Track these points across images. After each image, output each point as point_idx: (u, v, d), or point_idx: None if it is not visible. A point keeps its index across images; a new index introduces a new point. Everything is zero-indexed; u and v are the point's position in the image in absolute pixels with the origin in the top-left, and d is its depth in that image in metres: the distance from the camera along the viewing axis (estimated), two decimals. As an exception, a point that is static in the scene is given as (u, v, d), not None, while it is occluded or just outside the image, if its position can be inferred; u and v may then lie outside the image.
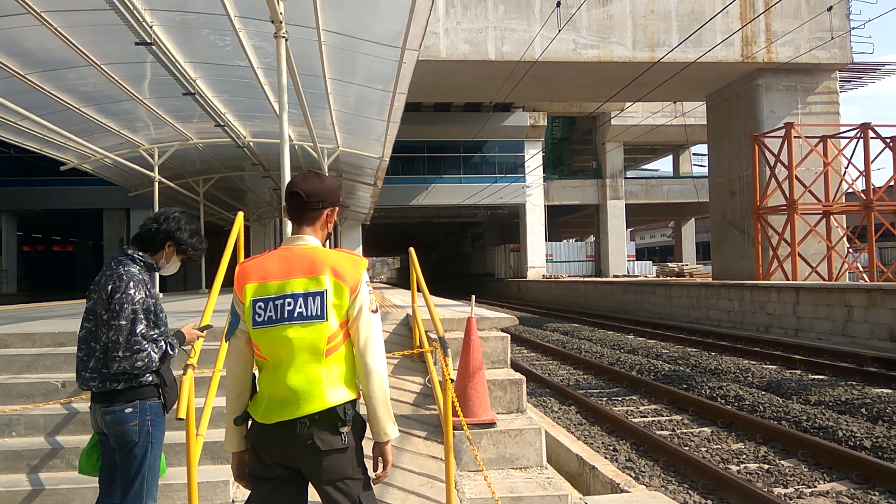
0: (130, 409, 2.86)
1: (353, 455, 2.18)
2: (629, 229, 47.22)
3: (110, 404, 2.84)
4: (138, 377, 2.85)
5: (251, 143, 14.46)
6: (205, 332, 3.35)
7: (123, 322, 2.76)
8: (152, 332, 2.90)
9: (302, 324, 2.11)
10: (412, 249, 6.09)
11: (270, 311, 2.13)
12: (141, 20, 8.02)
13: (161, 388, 2.95)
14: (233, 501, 3.94)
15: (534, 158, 34.63)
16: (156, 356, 2.83)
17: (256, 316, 2.14)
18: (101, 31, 8.52)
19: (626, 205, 38.85)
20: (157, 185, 14.24)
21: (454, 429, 4.00)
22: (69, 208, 28.62)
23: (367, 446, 2.26)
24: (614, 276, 34.69)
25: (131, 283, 2.81)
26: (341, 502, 2.14)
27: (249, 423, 2.22)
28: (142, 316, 2.82)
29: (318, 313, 2.11)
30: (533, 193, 35.84)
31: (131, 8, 7.75)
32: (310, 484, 2.22)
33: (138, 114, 12.13)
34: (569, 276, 36.21)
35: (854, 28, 19.67)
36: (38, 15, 7.80)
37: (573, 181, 39.93)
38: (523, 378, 5.33)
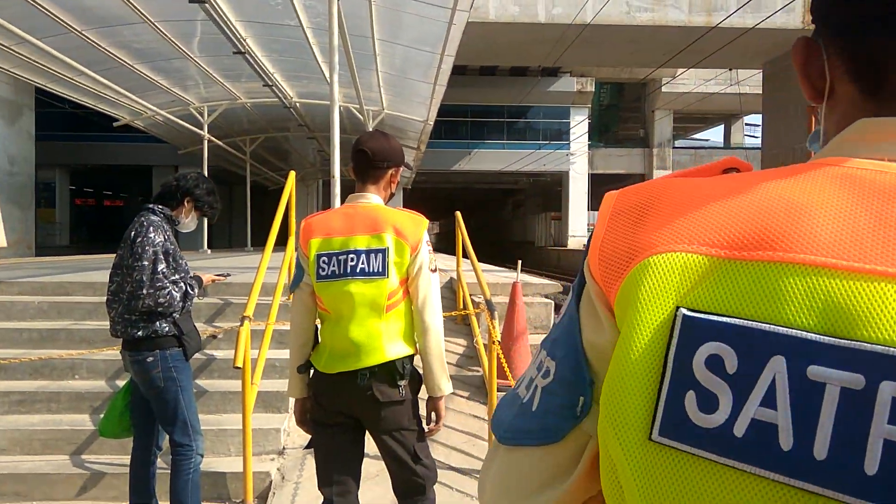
0: (152, 358, 3.01)
1: (410, 407, 2.25)
2: (674, 200, 46.41)
3: (135, 353, 3.02)
4: (156, 326, 2.98)
5: (297, 104, 14.56)
6: (226, 277, 3.54)
7: (146, 262, 2.94)
8: (173, 276, 3.06)
9: (364, 279, 2.16)
10: (458, 213, 6.11)
11: (334, 266, 2.19)
12: (195, -23, 8.10)
13: (179, 337, 3.08)
14: (283, 448, 4.10)
15: (580, 125, 34.05)
16: (177, 294, 3.00)
17: (320, 270, 2.21)
18: (155, -13, 8.64)
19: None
20: (206, 143, 14.48)
21: (497, 390, 4.07)
22: (120, 164, 29.36)
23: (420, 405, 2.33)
24: (657, 248, 34.19)
25: (151, 228, 3.00)
26: (397, 451, 2.22)
27: (311, 371, 2.31)
28: (162, 257, 2.99)
29: (380, 270, 2.17)
30: (577, 161, 35.34)
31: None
32: (367, 432, 2.31)
33: (189, 72, 12.30)
34: (610, 246, 35.81)
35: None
36: (96, -29, 7.95)
37: (619, 150, 39.22)
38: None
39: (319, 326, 2.34)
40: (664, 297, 0.50)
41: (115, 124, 14.37)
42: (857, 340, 0.43)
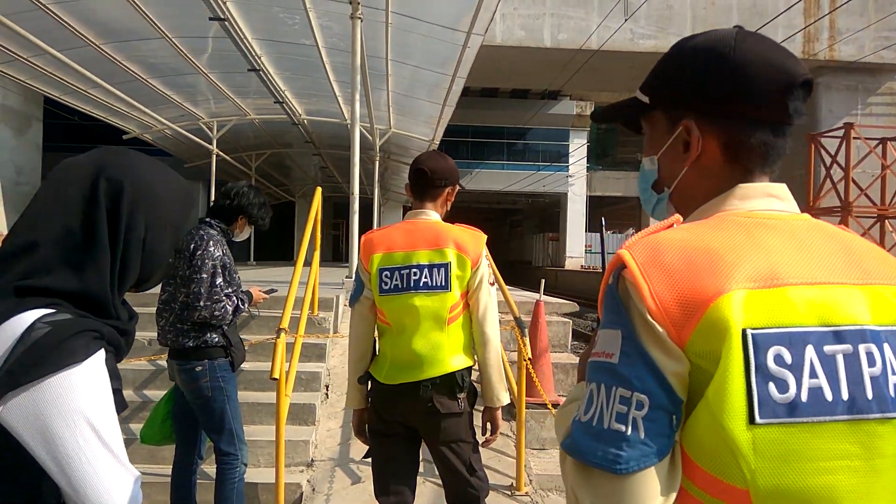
0: (200, 368, 3.07)
1: (467, 420, 2.31)
2: (670, 224, 46.65)
3: (183, 362, 3.07)
4: (206, 337, 3.05)
5: (305, 121, 14.70)
6: (269, 294, 3.60)
7: (205, 275, 3.01)
8: (227, 289, 3.13)
9: (427, 293, 2.24)
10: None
11: (397, 280, 2.26)
12: (217, -4, 8.24)
13: (228, 348, 3.14)
14: (312, 460, 4.14)
15: (579, 149, 34.31)
16: (230, 308, 3.08)
17: (383, 284, 2.28)
18: (175, 4, 8.77)
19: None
20: (214, 157, 14.58)
21: (525, 407, 4.12)
22: (121, 177, 29.39)
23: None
24: (654, 271, 34.32)
25: (211, 242, 3.08)
26: (454, 462, 2.28)
27: (370, 383, 2.37)
28: (220, 271, 3.08)
29: (443, 284, 2.24)
30: (575, 183, 35.57)
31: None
32: (423, 443, 2.37)
33: (200, 87, 12.44)
34: (607, 268, 35.91)
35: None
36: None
37: (617, 172, 39.46)
38: (585, 363, 5.42)
39: (378, 339, 2.40)
40: (736, 324, 0.72)
41: (124, 136, 14.45)
42: (839, 326, 0.74)
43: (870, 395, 0.74)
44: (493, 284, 2.35)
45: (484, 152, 35.67)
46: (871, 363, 0.74)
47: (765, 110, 0.86)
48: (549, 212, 39.88)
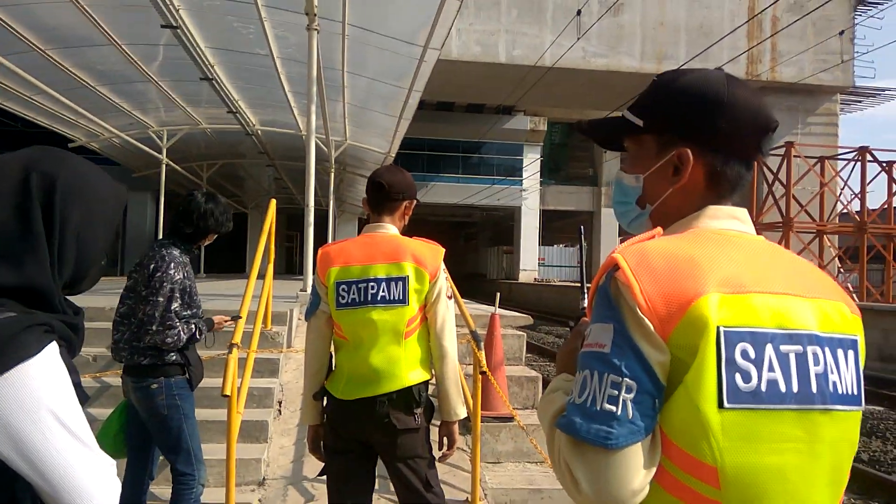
0: (156, 385, 2.97)
1: (424, 435, 2.30)
2: (621, 237, 47.57)
3: (138, 379, 2.97)
4: (163, 355, 2.96)
5: (259, 131, 14.52)
6: (235, 320, 3.50)
7: (160, 298, 2.91)
8: (185, 312, 3.04)
9: (385, 307, 2.23)
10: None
11: (354, 294, 2.25)
12: (169, 3, 8.10)
13: (186, 366, 3.06)
14: (263, 479, 4.05)
15: (533, 163, 34.75)
16: (184, 336, 2.97)
17: (340, 298, 2.26)
18: (125, 11, 8.58)
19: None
20: (164, 167, 14.26)
21: (481, 420, 4.12)
22: (65, 186, 28.49)
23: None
24: (605, 284, 34.84)
25: (172, 264, 2.97)
26: (410, 479, 2.26)
27: (325, 399, 2.34)
28: (178, 295, 2.98)
29: (401, 297, 2.24)
30: (529, 197, 35.99)
31: (161, -9, 7.83)
32: (379, 459, 2.34)
33: (150, 95, 12.17)
34: (559, 281, 36.41)
35: (858, 54, 20.00)
36: (66, -9, 7.86)
37: (569, 187, 40.07)
38: (539, 375, 5.47)
39: (334, 353, 2.38)
40: (713, 321, 0.85)
41: (70, 145, 14.00)
42: (791, 329, 0.88)
43: (814, 389, 0.88)
44: (450, 298, 2.35)
45: (439, 165, 35.80)
46: (816, 363, 0.88)
47: (744, 148, 1.01)
48: (504, 225, 40.20)
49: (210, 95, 11.82)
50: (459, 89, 23.88)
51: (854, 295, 20.32)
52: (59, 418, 0.93)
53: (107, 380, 4.55)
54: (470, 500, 3.97)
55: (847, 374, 0.90)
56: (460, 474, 4.27)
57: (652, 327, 0.85)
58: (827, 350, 0.89)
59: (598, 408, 0.84)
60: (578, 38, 17.11)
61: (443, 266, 2.34)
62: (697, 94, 1.00)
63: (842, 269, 22.25)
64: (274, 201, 5.28)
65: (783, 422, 0.85)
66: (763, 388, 0.85)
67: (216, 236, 3.28)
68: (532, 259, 36.81)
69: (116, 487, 1.01)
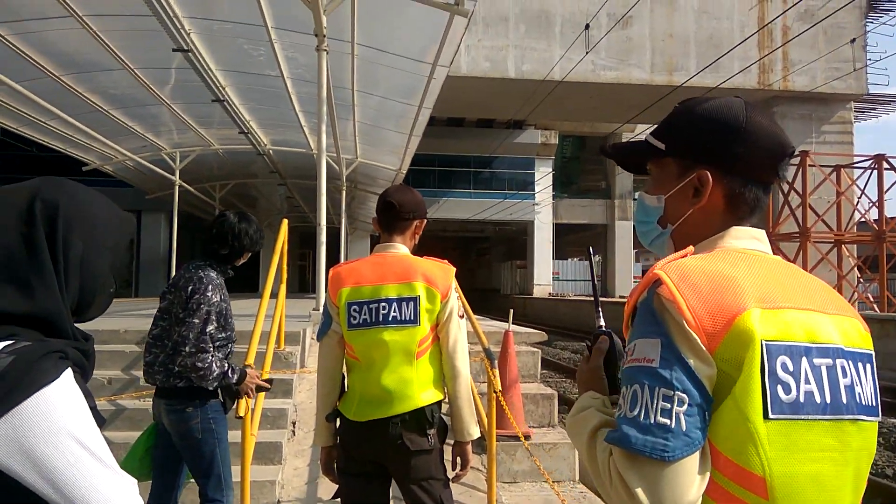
0: (191, 409, 2.91)
1: (438, 456, 2.26)
2: (635, 251, 47.31)
3: (172, 402, 2.92)
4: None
5: (271, 151, 14.63)
6: (267, 384, 3.24)
7: (196, 320, 2.85)
8: (220, 335, 2.98)
9: (396, 327, 2.19)
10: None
11: (365, 314, 2.22)
12: (180, 27, 8.20)
13: (221, 389, 3.00)
14: (278, 501, 4.01)
15: (545, 177, 34.72)
16: (216, 369, 2.86)
17: (351, 318, 2.23)
18: (137, 36, 8.69)
19: (633, 226, 38.76)
20: (177, 188, 14.38)
21: (496, 440, 4.06)
22: (81, 208, 28.81)
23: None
24: (620, 297, 34.69)
25: (210, 287, 2.92)
26: (425, 500, 2.21)
27: (338, 420, 2.30)
28: (213, 318, 2.91)
29: (412, 317, 2.20)
30: (542, 211, 35.90)
31: (172, 15, 7.93)
32: (393, 481, 2.30)
33: (162, 118, 12.31)
34: (574, 295, 36.21)
35: (871, 61, 19.86)
36: (80, 18, 7.98)
37: (582, 200, 39.96)
38: (555, 393, 5.39)
39: (347, 374, 2.34)
40: (758, 335, 0.88)
41: (84, 168, 14.18)
42: (821, 344, 0.92)
43: (844, 400, 0.92)
44: (462, 317, 2.31)
45: (451, 181, 35.85)
46: (844, 375, 0.93)
47: (762, 173, 1.06)
48: (517, 240, 40.13)
49: (222, 117, 11.93)
50: (469, 105, 23.96)
51: (875, 305, 20.03)
52: (81, 442, 0.95)
53: (122, 402, 4.54)
54: (487, 521, 3.90)
55: (867, 387, 0.95)
56: (476, 494, 4.21)
57: (699, 341, 0.88)
58: (851, 363, 0.94)
59: (653, 421, 0.87)
60: (587, 52, 17.13)
61: (454, 285, 2.31)
62: (718, 121, 1.05)
63: (861, 279, 21.96)
64: (286, 221, 5.28)
65: (819, 432, 0.89)
66: (801, 399, 0.89)
67: (250, 255, 3.25)
68: (546, 273, 36.66)
69: None
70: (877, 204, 19.48)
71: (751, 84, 19.82)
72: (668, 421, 0.86)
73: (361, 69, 9.51)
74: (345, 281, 2.28)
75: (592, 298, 1.35)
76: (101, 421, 1.02)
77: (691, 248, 1.02)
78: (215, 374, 2.86)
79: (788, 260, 1.01)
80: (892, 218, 19.63)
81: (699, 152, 1.06)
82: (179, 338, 2.85)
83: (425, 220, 2.44)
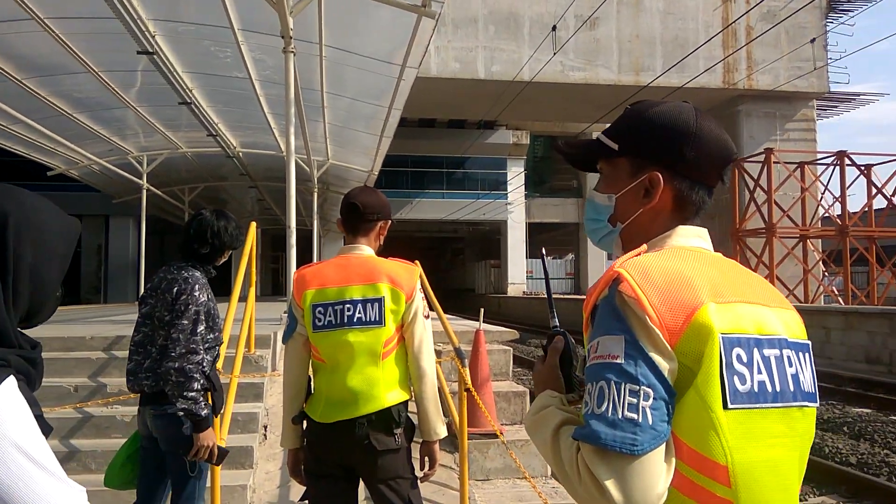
0: (182, 412, 2.80)
1: (405, 455, 2.28)
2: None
3: (161, 406, 2.82)
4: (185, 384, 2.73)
5: (240, 153, 14.49)
6: (219, 455, 2.91)
7: (186, 322, 2.78)
8: (209, 335, 2.92)
9: (361, 328, 2.21)
10: (419, 267, 6.18)
11: (330, 316, 2.23)
12: (144, 30, 8.09)
13: (211, 392, 2.92)
14: (250, 506, 3.99)
15: (517, 177, 34.91)
16: (201, 380, 2.75)
17: (316, 320, 2.24)
18: (101, 38, 8.55)
19: (584, 223, 39.17)
20: (144, 192, 14.18)
21: (468, 438, 4.10)
22: (46, 214, 28.21)
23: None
24: (593, 295, 34.96)
25: (196, 286, 2.85)
26: (393, 499, 2.23)
27: (305, 422, 2.31)
28: (203, 318, 2.85)
29: (377, 318, 2.22)
30: (514, 211, 36.11)
31: (136, 17, 7.82)
32: (361, 481, 2.32)
33: (128, 121, 12.12)
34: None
35: (832, 60, 20.33)
36: (40, 21, 7.83)
37: (554, 199, 40.26)
38: (526, 390, 5.45)
39: (312, 376, 2.35)
40: (715, 328, 0.92)
41: (49, 173, 13.91)
42: (769, 335, 0.97)
43: (791, 388, 0.97)
44: (427, 317, 2.34)
45: (424, 181, 35.86)
46: (790, 364, 0.98)
47: (709, 176, 1.10)
48: (490, 239, 40.29)
49: (189, 119, 11.79)
50: (440, 106, 24.00)
51: (840, 298, 20.50)
52: (24, 451, 0.93)
53: (89, 410, 4.48)
54: (459, 519, 3.93)
55: (808, 375, 1.01)
56: (449, 493, 4.23)
57: (661, 337, 0.91)
58: (794, 353, 1.00)
59: (620, 416, 0.88)
60: (555, 53, 17.27)
61: (419, 286, 2.33)
62: (670, 124, 1.08)
63: (826, 273, 22.46)
64: (253, 224, 5.26)
65: (772, 419, 0.95)
66: (756, 388, 0.93)
67: (230, 253, 3.19)
68: (520, 272, 36.87)
69: None
70: (839, 199, 19.96)
71: (716, 83, 20.17)
72: (635, 415, 0.88)
73: (330, 71, 9.47)
74: (309, 283, 2.29)
75: (546, 298, 1.38)
76: (48, 429, 1.00)
77: (644, 246, 1.05)
78: (197, 381, 2.74)
79: (729, 257, 1.03)
80: (854, 213, 20.14)
81: (652, 154, 1.08)
82: (170, 340, 2.76)
83: (390, 222, 2.46)
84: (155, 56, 8.73)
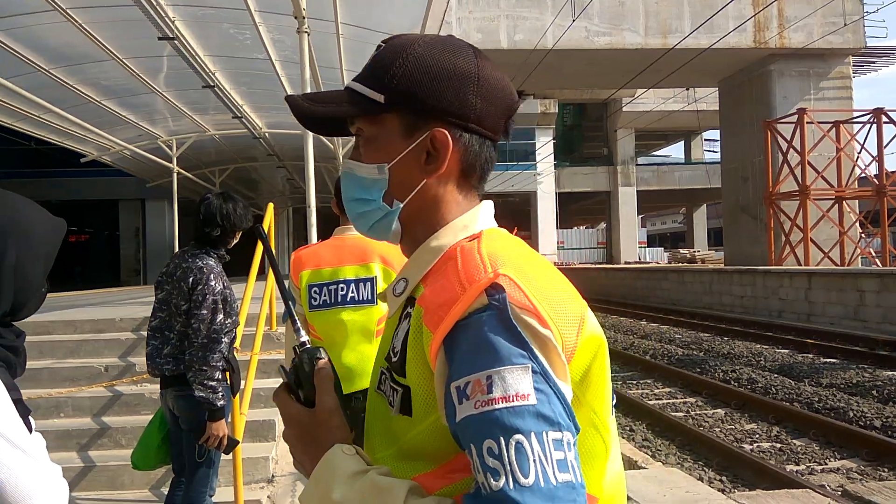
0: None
1: (401, 426, 2.38)
2: (640, 216, 47.22)
3: (182, 388, 2.93)
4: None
5: (266, 134, 14.68)
6: (229, 445, 3.06)
7: (205, 311, 2.86)
8: (227, 321, 3.00)
9: (354, 307, 2.31)
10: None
11: (325, 296, 2.33)
12: (164, 15, 8.22)
13: (230, 373, 3.04)
14: (272, 476, 4.17)
15: (545, 146, 34.61)
16: (221, 366, 2.88)
17: (312, 300, 2.34)
18: (123, 26, 8.73)
19: (637, 191, 38.83)
20: (175, 175, 14.49)
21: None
22: (84, 199, 29.00)
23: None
24: (626, 263, 34.77)
25: (212, 275, 2.93)
26: (390, 469, 2.34)
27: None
28: (221, 306, 2.93)
29: (369, 297, 2.32)
30: (544, 181, 35.87)
31: (154, 4, 7.95)
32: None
33: (156, 106, 12.37)
34: (580, 264, 36.32)
35: (868, 14, 19.57)
36: (63, 11, 8.02)
37: (584, 168, 39.87)
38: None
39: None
40: (601, 337, 0.79)
41: (82, 160, 14.30)
42: None
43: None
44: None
45: (451, 155, 35.73)
46: None
47: (495, 128, 0.88)
48: (521, 210, 40.14)
49: (215, 102, 11.98)
50: (465, 78, 23.80)
51: (877, 260, 20.01)
52: (1, 433, 1.00)
53: (119, 388, 4.71)
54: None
55: None
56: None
57: (564, 358, 0.72)
58: None
59: (555, 482, 0.65)
60: (574, 20, 16.97)
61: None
62: (448, 64, 0.83)
63: (863, 235, 21.90)
64: (272, 205, 5.40)
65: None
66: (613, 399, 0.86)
67: (241, 234, 3.19)
68: (551, 243, 36.74)
69: (63, 492, 1.10)
70: (876, 158, 19.37)
71: (746, 43, 19.60)
72: (569, 476, 0.66)
73: (349, 49, 9.52)
74: (305, 264, 2.39)
75: (281, 295, 1.03)
76: (26, 411, 1.10)
77: (481, 230, 0.85)
78: (216, 377, 2.86)
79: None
80: (892, 172, 19.53)
81: (432, 104, 0.83)
82: (191, 330, 2.85)
83: None
84: (176, 41, 8.87)
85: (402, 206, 0.86)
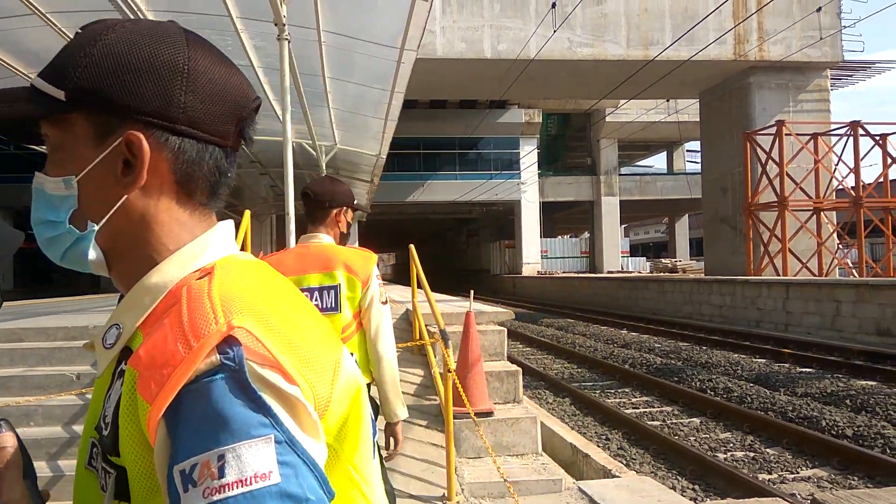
0: None
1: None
2: (623, 225, 47.52)
3: None
4: None
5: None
6: None
7: None
8: None
9: None
10: (412, 246, 6.30)
11: (290, 304, 2.34)
12: (144, 21, 8.21)
13: None
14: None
15: (529, 155, 34.82)
16: None
17: (277, 308, 2.35)
18: (104, 31, 8.70)
19: (620, 201, 39.11)
20: (156, 182, 14.41)
21: (454, 418, 4.22)
22: (66, 205, 28.71)
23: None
24: (608, 272, 34.98)
25: None
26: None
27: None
28: None
29: (333, 305, 2.32)
30: (528, 190, 36.06)
31: (135, 9, 7.94)
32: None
33: (139, 112, 12.32)
34: (563, 273, 36.49)
35: (845, 27, 19.92)
36: (42, 15, 7.98)
37: (568, 178, 40.11)
38: (519, 370, 5.55)
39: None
40: (359, 381, 0.70)
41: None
42: None
43: None
44: (385, 303, 2.43)
45: (436, 163, 35.89)
46: None
47: (220, 131, 0.73)
48: (505, 219, 40.31)
49: (196, 109, 11.94)
50: (449, 87, 23.92)
51: (854, 271, 20.30)
52: None
53: (90, 397, 4.66)
54: (447, 494, 4.06)
55: None
56: (438, 471, 4.36)
57: (316, 418, 0.61)
58: None
59: None
60: (555, 30, 17.12)
61: (375, 273, 2.43)
62: (148, 55, 0.68)
63: (840, 246, 22.22)
64: (248, 212, 5.39)
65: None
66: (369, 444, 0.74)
67: None
68: (535, 252, 36.91)
69: None
70: (853, 170, 19.68)
71: (727, 55, 19.87)
72: None
73: (331, 56, 9.54)
74: (271, 272, 2.40)
75: None
76: None
77: (214, 262, 0.69)
78: None
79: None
80: (868, 184, 19.85)
81: (124, 102, 0.67)
82: None
83: (347, 208, 2.55)
84: (156, 47, 8.86)
85: (97, 228, 0.70)
